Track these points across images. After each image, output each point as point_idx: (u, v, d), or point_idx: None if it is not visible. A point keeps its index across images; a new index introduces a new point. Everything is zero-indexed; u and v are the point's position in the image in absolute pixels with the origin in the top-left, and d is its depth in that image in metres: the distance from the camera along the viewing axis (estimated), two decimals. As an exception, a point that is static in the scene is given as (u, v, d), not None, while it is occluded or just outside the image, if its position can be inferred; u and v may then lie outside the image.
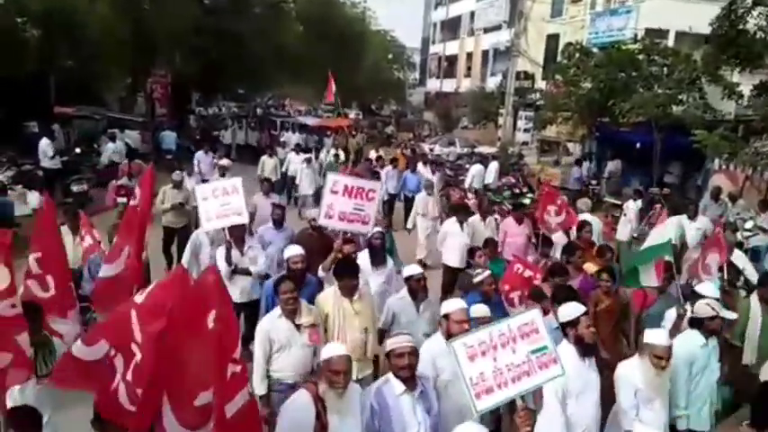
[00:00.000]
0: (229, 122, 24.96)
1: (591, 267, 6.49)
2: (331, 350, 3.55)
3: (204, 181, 11.52)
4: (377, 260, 6.13)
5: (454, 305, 4.16)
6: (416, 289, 5.12)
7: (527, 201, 14.00)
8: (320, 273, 5.89)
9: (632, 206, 10.86)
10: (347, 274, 4.81)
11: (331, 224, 5.93)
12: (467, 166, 18.32)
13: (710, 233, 8.82)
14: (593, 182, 17.82)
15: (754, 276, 7.16)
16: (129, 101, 26.59)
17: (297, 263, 5.29)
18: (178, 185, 9.42)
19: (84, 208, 12.57)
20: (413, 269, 5.28)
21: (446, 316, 4.10)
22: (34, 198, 10.69)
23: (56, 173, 13.07)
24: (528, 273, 6.03)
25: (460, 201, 12.67)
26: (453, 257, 8.45)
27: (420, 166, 15.04)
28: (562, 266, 6.04)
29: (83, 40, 16.49)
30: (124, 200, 9.23)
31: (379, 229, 6.45)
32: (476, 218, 8.97)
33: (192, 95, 31.73)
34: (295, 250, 5.40)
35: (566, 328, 3.97)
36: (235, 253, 6.12)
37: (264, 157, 15.34)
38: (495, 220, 9.43)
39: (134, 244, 4.24)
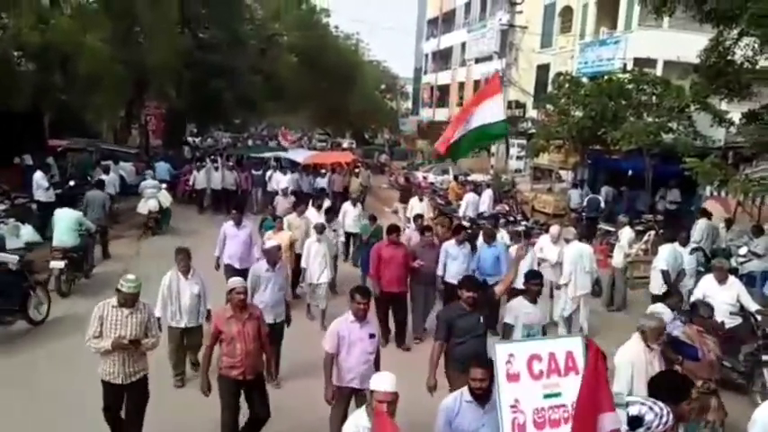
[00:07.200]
0: (205, 161, 19.72)
1: None
2: None
3: (236, 272, 7.74)
4: None
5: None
6: None
7: (521, 228, 14.04)
8: None
9: (626, 232, 10.90)
10: None
11: None
12: (460, 194, 18.34)
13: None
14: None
15: (751, 303, 7.18)
16: (123, 133, 26.72)
17: None
18: (130, 300, 4.79)
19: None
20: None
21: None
22: (27, 231, 10.58)
23: (50, 205, 12.99)
24: None
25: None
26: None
27: (503, 235, 10.34)
28: None
29: (77, 73, 16.61)
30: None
31: None
32: None
33: (187, 126, 31.94)
34: None
35: None
36: None
37: (291, 218, 10.14)
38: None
39: None
